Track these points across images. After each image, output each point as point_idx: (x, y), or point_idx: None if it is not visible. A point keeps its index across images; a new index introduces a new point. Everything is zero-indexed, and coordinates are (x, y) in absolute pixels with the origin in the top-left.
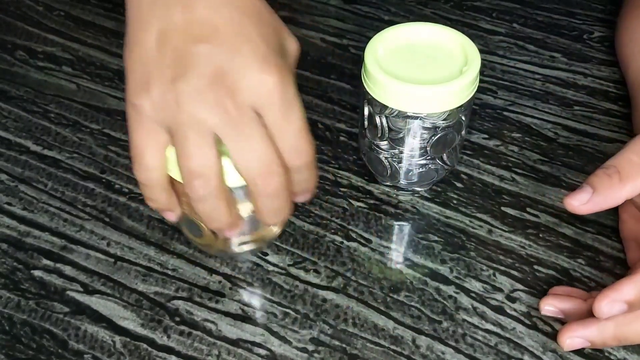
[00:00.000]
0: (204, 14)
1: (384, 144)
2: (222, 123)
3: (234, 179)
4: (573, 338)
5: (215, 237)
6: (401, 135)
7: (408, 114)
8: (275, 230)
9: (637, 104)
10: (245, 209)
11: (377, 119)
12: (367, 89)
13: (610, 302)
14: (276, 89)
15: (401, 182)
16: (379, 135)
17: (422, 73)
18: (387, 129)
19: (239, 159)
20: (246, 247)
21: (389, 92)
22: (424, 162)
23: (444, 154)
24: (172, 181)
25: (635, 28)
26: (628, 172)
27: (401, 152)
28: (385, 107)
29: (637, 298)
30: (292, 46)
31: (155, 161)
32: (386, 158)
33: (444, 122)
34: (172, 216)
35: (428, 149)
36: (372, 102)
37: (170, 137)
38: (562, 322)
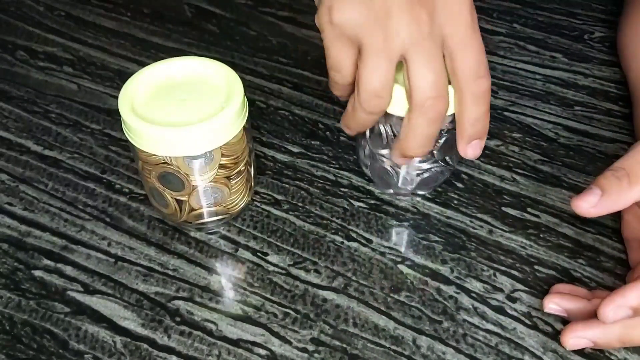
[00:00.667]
0: None
1: (388, 152)
2: (412, 41)
3: None
4: (577, 338)
5: (179, 208)
6: None
7: None
8: (241, 204)
9: (638, 104)
10: (205, 178)
11: (381, 128)
12: None
13: (615, 307)
14: (468, 10)
15: (407, 188)
16: (384, 144)
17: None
18: (392, 136)
19: (416, 77)
20: (210, 219)
21: (395, 98)
22: (428, 166)
23: (448, 156)
24: (139, 154)
25: (637, 29)
26: (637, 175)
27: None
28: (390, 115)
29: None
30: None
31: (349, 71)
32: (391, 166)
33: (450, 124)
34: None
35: (435, 152)
36: None
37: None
38: (563, 321)
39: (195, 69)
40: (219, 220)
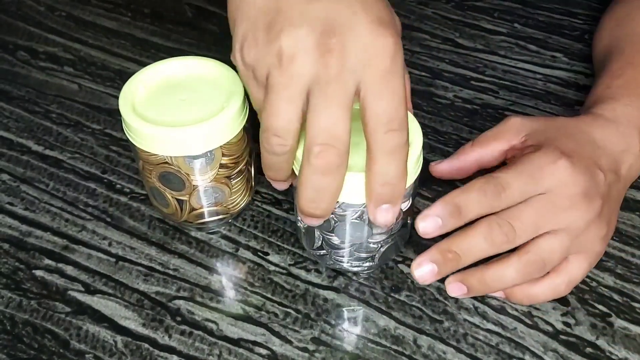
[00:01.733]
0: None
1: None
2: (315, 83)
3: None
4: (450, 283)
5: (180, 207)
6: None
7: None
8: (242, 203)
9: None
10: (206, 178)
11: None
12: None
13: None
14: (387, 51)
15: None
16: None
17: None
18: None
19: (309, 122)
20: (211, 219)
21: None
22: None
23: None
24: (140, 154)
25: (611, 17)
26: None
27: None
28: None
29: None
30: (398, 21)
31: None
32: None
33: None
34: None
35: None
36: None
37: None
38: (564, 321)
39: (195, 69)
40: (219, 220)
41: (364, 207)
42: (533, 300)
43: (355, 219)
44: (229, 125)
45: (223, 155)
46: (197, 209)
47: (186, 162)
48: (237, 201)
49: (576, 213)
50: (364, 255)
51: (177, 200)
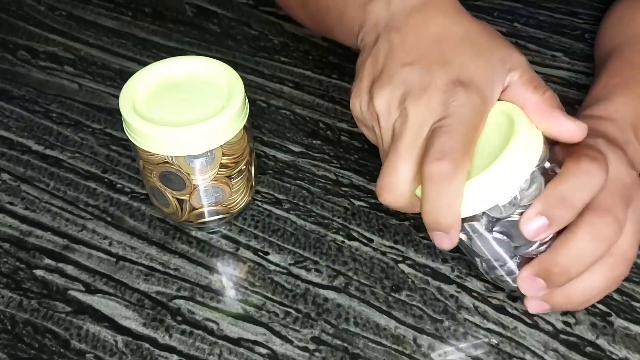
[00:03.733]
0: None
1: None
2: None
3: None
4: (539, 303)
5: (180, 207)
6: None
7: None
8: (242, 203)
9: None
10: (206, 177)
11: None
12: None
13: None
14: (458, 105)
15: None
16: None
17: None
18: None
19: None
20: (211, 218)
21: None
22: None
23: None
24: (140, 154)
25: (612, 16)
26: None
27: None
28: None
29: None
30: (517, 59)
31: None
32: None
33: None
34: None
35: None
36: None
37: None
38: (564, 321)
39: (196, 69)
40: (219, 219)
41: (491, 219)
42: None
43: (496, 232)
44: (229, 124)
45: (223, 154)
46: (197, 209)
47: (187, 162)
48: (237, 201)
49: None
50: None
51: (178, 199)
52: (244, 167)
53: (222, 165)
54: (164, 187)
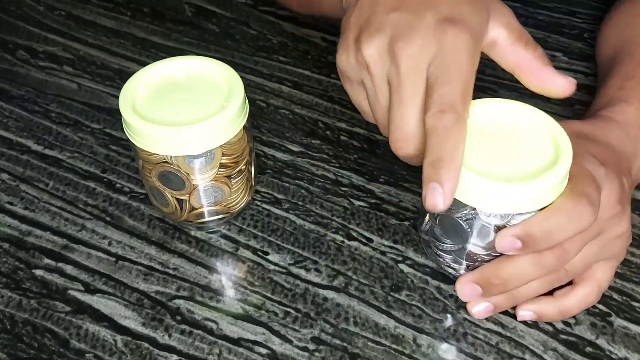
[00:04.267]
0: None
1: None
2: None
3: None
4: (525, 310)
5: (180, 207)
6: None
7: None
8: (242, 203)
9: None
10: (206, 177)
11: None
12: None
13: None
14: (449, 42)
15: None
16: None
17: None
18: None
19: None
20: (211, 218)
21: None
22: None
23: None
24: (140, 153)
25: (616, 18)
26: None
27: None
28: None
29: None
30: (503, 11)
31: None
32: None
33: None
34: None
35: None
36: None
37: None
38: (564, 321)
39: (195, 69)
40: (219, 219)
41: (472, 211)
42: (566, 314)
43: (460, 218)
44: (229, 124)
45: (223, 154)
46: (197, 209)
47: (186, 162)
48: (237, 200)
49: (613, 221)
50: (463, 264)
51: (177, 199)
52: (244, 167)
53: (221, 165)
54: (163, 187)
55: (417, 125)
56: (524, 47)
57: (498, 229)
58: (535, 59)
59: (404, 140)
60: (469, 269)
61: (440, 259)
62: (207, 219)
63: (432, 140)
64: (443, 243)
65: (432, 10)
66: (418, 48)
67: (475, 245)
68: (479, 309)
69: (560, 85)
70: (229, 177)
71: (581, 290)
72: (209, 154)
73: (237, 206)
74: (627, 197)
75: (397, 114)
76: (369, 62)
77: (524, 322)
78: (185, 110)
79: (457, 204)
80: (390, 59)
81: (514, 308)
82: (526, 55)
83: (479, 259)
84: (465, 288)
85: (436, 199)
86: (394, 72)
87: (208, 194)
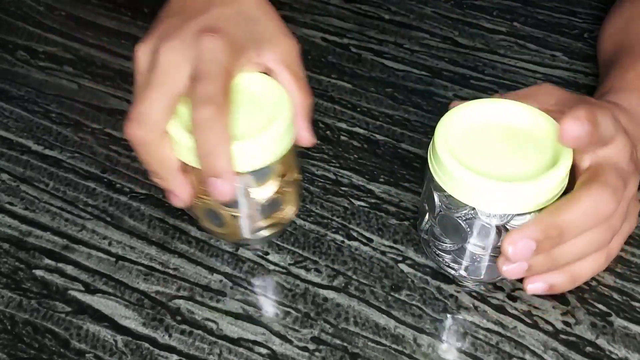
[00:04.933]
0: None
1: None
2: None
3: (247, 165)
4: (535, 283)
5: (237, 225)
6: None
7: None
8: (291, 213)
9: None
10: (263, 192)
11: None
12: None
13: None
14: (207, 50)
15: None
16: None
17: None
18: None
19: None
20: (264, 233)
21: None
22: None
23: None
24: (186, 168)
25: (614, 17)
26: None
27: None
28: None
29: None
30: (281, 43)
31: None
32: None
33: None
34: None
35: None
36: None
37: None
38: (564, 321)
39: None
40: (272, 233)
41: (471, 211)
42: (577, 280)
43: (460, 218)
44: (287, 135)
45: (281, 165)
46: (253, 224)
47: (251, 177)
48: (290, 213)
49: (634, 182)
50: (463, 264)
51: (234, 217)
52: (297, 175)
53: (279, 176)
54: (221, 207)
55: (157, 108)
56: (299, 91)
57: (498, 229)
58: (307, 107)
59: (139, 120)
60: (468, 269)
61: (440, 259)
62: (261, 234)
63: (198, 135)
64: (442, 243)
65: (200, 18)
66: (175, 48)
67: (474, 245)
68: (536, 286)
69: (302, 138)
70: (283, 188)
71: (593, 256)
72: (271, 166)
73: (289, 218)
74: (636, 162)
75: (142, 93)
76: (136, 61)
77: (524, 322)
78: (245, 122)
79: (456, 204)
80: (152, 57)
81: (514, 301)
82: (300, 99)
83: (479, 259)
84: (518, 245)
85: (220, 192)
86: (151, 65)
87: (265, 208)
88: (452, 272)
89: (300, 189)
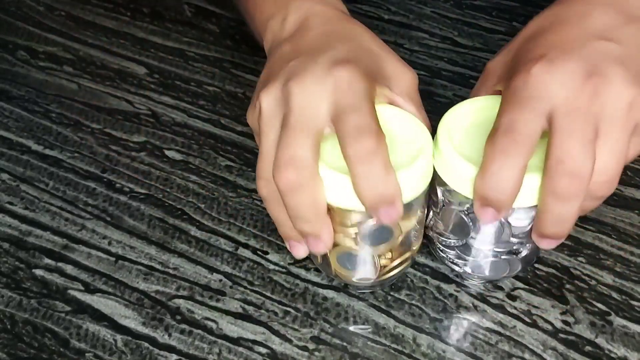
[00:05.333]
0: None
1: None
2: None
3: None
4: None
5: (378, 263)
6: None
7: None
8: (417, 247)
9: None
10: (407, 225)
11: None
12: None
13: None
14: (344, 80)
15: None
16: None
17: None
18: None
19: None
20: (396, 271)
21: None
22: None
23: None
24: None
25: None
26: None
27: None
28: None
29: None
30: (404, 75)
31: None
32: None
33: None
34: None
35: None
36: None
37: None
38: (564, 320)
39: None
40: (402, 269)
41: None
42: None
43: (463, 212)
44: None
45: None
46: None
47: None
48: (418, 244)
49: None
50: (467, 260)
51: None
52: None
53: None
54: (365, 245)
55: (306, 149)
56: (422, 121)
57: (500, 222)
58: None
59: (290, 163)
60: (472, 265)
61: (444, 255)
62: (395, 270)
63: (361, 168)
64: (446, 239)
65: (326, 54)
66: (311, 84)
67: (479, 240)
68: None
69: None
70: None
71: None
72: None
73: (417, 250)
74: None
75: (284, 138)
76: (263, 109)
77: (524, 322)
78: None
79: (458, 198)
80: (284, 100)
81: (513, 300)
82: None
83: (483, 255)
84: (545, 240)
85: (393, 216)
86: (285, 106)
87: (407, 241)
88: (457, 268)
89: (422, 224)
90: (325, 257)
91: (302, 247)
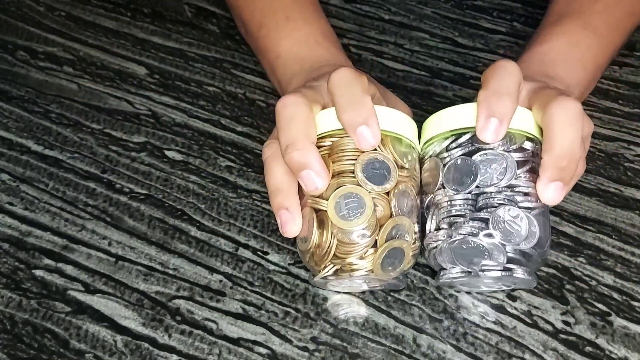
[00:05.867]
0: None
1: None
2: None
3: None
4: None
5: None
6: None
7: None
8: (412, 262)
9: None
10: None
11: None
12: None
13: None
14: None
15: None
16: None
17: None
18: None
19: None
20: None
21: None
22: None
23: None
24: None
25: None
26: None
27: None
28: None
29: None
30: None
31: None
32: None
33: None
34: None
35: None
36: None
37: None
38: (564, 320)
39: None
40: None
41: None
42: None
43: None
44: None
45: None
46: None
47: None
48: (413, 247)
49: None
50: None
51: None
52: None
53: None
54: (365, 181)
55: (303, 99)
56: None
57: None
58: None
59: (293, 95)
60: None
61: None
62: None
63: (340, 100)
64: (453, 201)
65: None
66: (299, 97)
67: (484, 180)
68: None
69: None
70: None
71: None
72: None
73: (408, 265)
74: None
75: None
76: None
77: (524, 322)
78: None
79: (445, 148)
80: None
81: (514, 301)
82: None
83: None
84: (549, 189)
85: (368, 141)
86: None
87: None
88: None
89: (420, 240)
90: (312, 255)
91: (293, 220)
